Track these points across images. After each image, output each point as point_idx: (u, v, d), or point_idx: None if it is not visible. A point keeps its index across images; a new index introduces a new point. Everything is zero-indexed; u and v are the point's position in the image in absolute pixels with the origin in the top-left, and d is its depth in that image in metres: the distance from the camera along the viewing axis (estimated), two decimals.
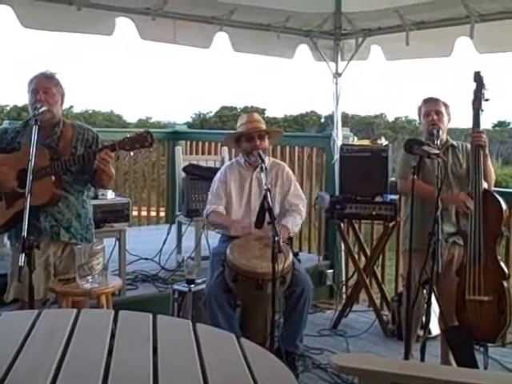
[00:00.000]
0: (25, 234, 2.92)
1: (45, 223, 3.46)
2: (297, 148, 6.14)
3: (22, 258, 2.86)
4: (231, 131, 5.10)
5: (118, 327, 1.73)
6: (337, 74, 5.57)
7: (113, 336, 1.64)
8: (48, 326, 1.74)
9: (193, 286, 4.09)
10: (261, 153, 3.87)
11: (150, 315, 1.85)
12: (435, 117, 3.83)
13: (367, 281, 4.91)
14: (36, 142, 3.10)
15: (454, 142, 3.94)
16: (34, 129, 3.15)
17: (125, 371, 1.48)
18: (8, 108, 24.74)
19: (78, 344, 1.60)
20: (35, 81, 3.45)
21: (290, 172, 4.24)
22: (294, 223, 3.97)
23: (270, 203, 3.39)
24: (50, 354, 1.52)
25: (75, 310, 1.85)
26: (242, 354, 1.60)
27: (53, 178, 3.37)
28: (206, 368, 1.50)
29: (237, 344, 1.66)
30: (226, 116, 26.55)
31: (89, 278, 3.34)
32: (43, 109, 3.34)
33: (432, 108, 3.86)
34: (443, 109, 3.87)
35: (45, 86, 3.42)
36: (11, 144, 3.52)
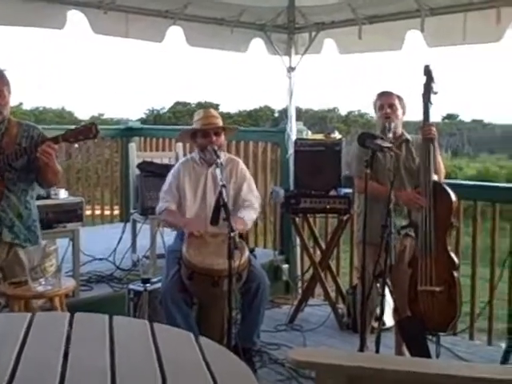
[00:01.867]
0: None
1: None
2: (251, 143, 6.14)
3: None
4: (186, 127, 5.08)
5: (73, 330, 1.70)
6: (291, 68, 5.59)
7: (68, 339, 1.62)
8: (0, 330, 1.71)
9: (148, 285, 4.06)
10: (216, 149, 3.87)
11: (106, 316, 1.83)
12: (388, 110, 3.88)
13: (322, 274, 4.96)
14: None
15: (409, 137, 3.98)
16: None
17: (81, 374, 1.47)
18: None
19: (33, 348, 1.58)
20: None
21: (245, 168, 4.25)
22: (249, 217, 3.99)
23: (226, 199, 3.39)
24: (4, 359, 1.49)
25: (29, 314, 1.82)
26: (200, 352, 1.60)
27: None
28: (164, 367, 1.50)
29: (194, 342, 1.67)
30: (180, 112, 26.41)
31: (41, 280, 3.29)
32: None
33: (385, 101, 3.91)
34: (397, 102, 3.91)
35: None
36: None
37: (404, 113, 3.96)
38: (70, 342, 1.60)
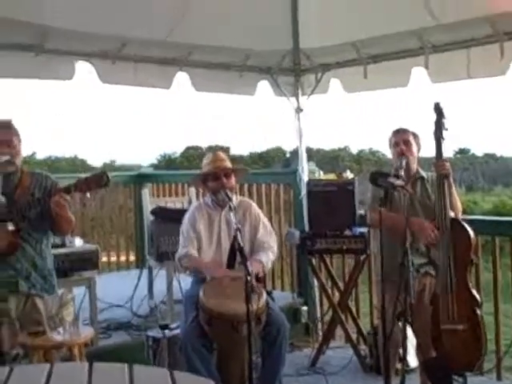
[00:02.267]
0: None
1: (3, 273, 3.35)
2: (264, 185, 6.15)
3: None
4: (198, 171, 5.10)
5: (92, 380, 1.67)
6: (299, 109, 5.64)
7: None
8: (21, 382, 1.68)
9: (167, 331, 4.01)
10: (228, 192, 3.87)
11: (126, 366, 1.80)
12: (403, 147, 3.87)
13: (342, 316, 4.89)
14: None
15: (424, 174, 3.96)
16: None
17: None
18: None
19: None
20: None
21: (258, 209, 4.24)
22: (268, 259, 3.96)
23: (241, 243, 3.37)
24: None
25: (48, 365, 1.79)
26: None
27: (10, 226, 3.29)
28: None
29: None
30: (192, 156, 26.61)
31: (60, 329, 3.27)
32: (6, 158, 3.31)
33: (400, 138, 3.90)
34: (412, 138, 3.91)
35: (6, 138, 3.37)
36: None
37: (419, 150, 3.96)
38: None
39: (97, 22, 4.47)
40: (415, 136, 3.94)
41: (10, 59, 4.42)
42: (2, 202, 3.30)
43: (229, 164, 4.09)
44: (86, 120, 44.70)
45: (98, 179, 3.33)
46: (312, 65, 5.49)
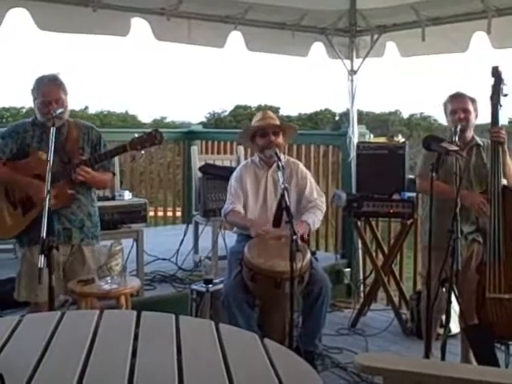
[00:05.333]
0: (44, 234, 2.93)
1: (58, 226, 3.45)
2: (312, 146, 6.12)
3: (42, 260, 2.88)
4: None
5: (140, 328, 1.73)
6: (352, 72, 5.55)
7: (136, 337, 1.64)
8: (71, 327, 1.75)
9: (210, 286, 4.08)
10: (277, 151, 3.86)
11: (173, 316, 1.84)
12: (462, 115, 3.74)
13: (385, 279, 4.89)
14: (44, 145, 3.24)
15: (480, 141, 3.84)
16: (52, 131, 3.18)
17: (150, 372, 1.48)
18: (24, 110, 24.92)
19: (102, 346, 1.61)
20: (43, 90, 3.43)
21: (306, 170, 4.23)
22: (315, 219, 3.96)
23: (288, 202, 3.38)
24: (75, 356, 1.52)
25: (97, 312, 1.85)
26: (265, 354, 1.59)
27: (65, 180, 3.39)
28: (230, 368, 1.50)
29: (260, 344, 1.66)
30: (241, 115, 26.55)
31: (108, 278, 3.36)
32: (60, 110, 3.37)
33: (459, 106, 3.75)
34: (470, 105, 3.76)
35: (55, 96, 3.42)
36: (22, 147, 3.51)
37: (476, 116, 3.82)
38: (138, 341, 1.62)
39: None
40: (473, 101, 3.80)
41: (67, 14, 4.47)
42: (56, 158, 3.39)
43: (277, 122, 4.09)
44: (138, 76, 44.92)
45: (152, 138, 3.41)
46: (368, 26, 5.37)
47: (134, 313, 1.83)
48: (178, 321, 1.80)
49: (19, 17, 4.34)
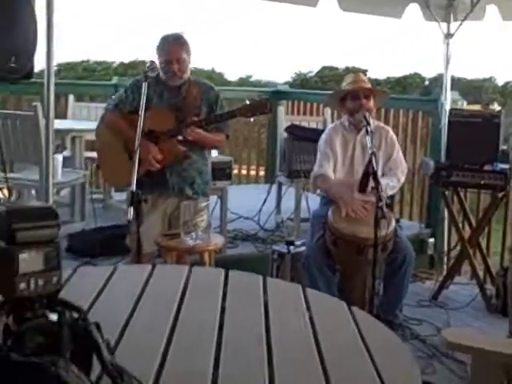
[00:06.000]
0: (133, 188, 3.03)
1: (172, 179, 3.60)
2: (401, 111, 5.96)
3: (131, 212, 2.98)
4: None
5: (228, 287, 1.75)
6: (448, 35, 5.32)
7: (224, 296, 1.67)
8: (162, 280, 1.80)
9: (292, 247, 4.10)
10: (367, 115, 3.78)
11: (260, 277, 1.86)
12: None
13: (471, 252, 4.74)
14: (163, 102, 3.43)
15: None
16: (144, 86, 3.28)
17: (238, 331, 1.50)
18: (115, 65, 25.53)
19: (192, 301, 1.64)
20: (167, 48, 3.55)
21: (394, 137, 4.13)
22: (388, 186, 3.85)
23: (375, 167, 3.32)
24: (166, 309, 1.56)
25: (187, 267, 1.89)
26: (353, 322, 1.58)
27: (178, 137, 3.48)
28: (318, 334, 1.50)
29: (348, 312, 1.65)
30: (327, 76, 26.14)
31: (193, 234, 3.42)
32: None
33: None
34: None
35: (177, 55, 3.52)
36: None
37: None
38: (226, 299, 1.64)
39: None
40: None
41: None
42: (172, 115, 3.49)
43: (369, 85, 3.99)
44: (224, 33, 44.94)
45: (262, 107, 3.44)
46: None
47: (222, 271, 1.86)
48: (265, 282, 1.81)
49: None
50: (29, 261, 1.14)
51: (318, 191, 4.19)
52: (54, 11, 4.01)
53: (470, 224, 4.87)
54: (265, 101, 3.47)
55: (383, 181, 3.81)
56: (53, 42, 4.08)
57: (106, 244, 4.32)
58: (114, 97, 3.91)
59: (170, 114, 3.54)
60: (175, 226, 3.63)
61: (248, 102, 3.48)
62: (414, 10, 5.40)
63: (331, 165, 3.96)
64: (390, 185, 3.90)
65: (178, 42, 3.56)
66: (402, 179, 4.02)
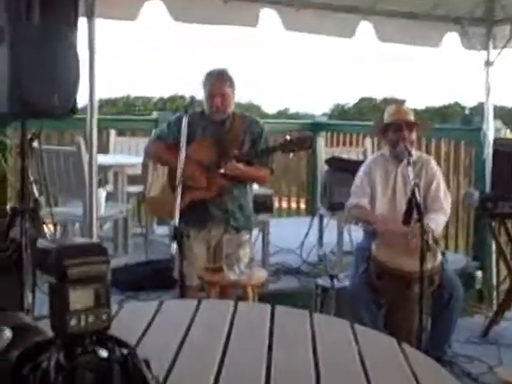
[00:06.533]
0: (176, 223, 3.04)
1: (213, 212, 3.63)
2: (443, 141, 5.89)
3: (174, 247, 2.99)
4: (371, 122, 4.99)
5: (275, 323, 1.72)
6: (488, 63, 5.27)
7: (271, 332, 1.64)
8: (208, 316, 1.78)
9: (336, 281, 4.03)
10: (408, 146, 3.74)
11: (307, 313, 1.83)
12: None
13: None
14: (206, 136, 3.48)
15: None
16: (185, 119, 3.33)
17: (287, 368, 1.47)
18: (155, 99, 25.99)
19: (238, 337, 1.62)
20: (211, 83, 3.60)
21: (437, 167, 4.05)
22: (438, 222, 3.78)
23: (419, 199, 3.27)
24: (213, 345, 1.54)
25: (232, 302, 1.87)
26: (405, 361, 1.53)
27: (221, 170, 3.50)
28: (368, 373, 1.45)
29: (399, 349, 1.60)
30: (366, 107, 26.12)
31: (235, 268, 3.40)
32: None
33: None
34: None
35: (221, 90, 3.57)
36: (188, 135, 3.65)
37: None
38: (273, 336, 1.61)
39: None
40: None
41: (199, 5, 4.59)
42: (214, 149, 3.55)
43: (412, 117, 3.95)
44: (262, 66, 45.42)
45: (302, 142, 3.46)
46: (507, 15, 5.07)
47: (269, 307, 1.83)
48: (312, 318, 1.77)
49: (154, 8, 4.52)
50: (80, 297, 1.14)
51: (361, 223, 4.14)
52: (95, 49, 4.16)
53: None
54: (306, 137, 3.50)
55: (432, 219, 3.73)
56: (95, 78, 4.21)
57: (149, 278, 4.35)
58: (156, 130, 3.97)
59: (212, 148, 3.57)
60: (219, 259, 3.63)
61: (289, 138, 3.48)
62: (452, 39, 5.38)
63: (367, 196, 3.91)
64: (439, 221, 3.81)
65: (221, 78, 3.61)
66: (449, 210, 3.94)
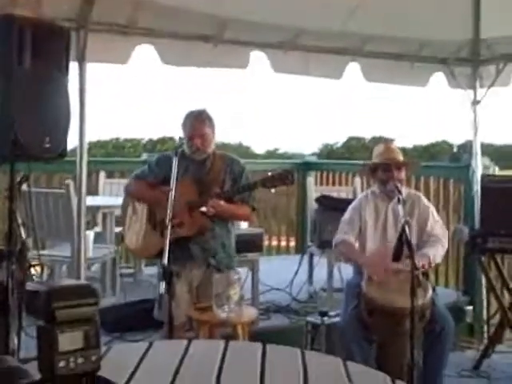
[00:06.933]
0: (165, 262, 3.03)
1: (194, 251, 3.62)
2: (432, 178, 5.95)
3: (163, 286, 2.97)
4: (360, 162, 5.04)
5: (266, 361, 1.71)
6: (475, 102, 5.36)
7: (263, 371, 1.63)
8: (198, 356, 1.76)
9: (326, 318, 4.01)
10: (398, 185, 3.76)
11: (299, 351, 1.81)
12: None
13: None
14: (188, 175, 3.45)
15: None
16: (175, 161, 3.33)
17: None
18: (144, 141, 26.11)
19: (230, 377, 1.60)
20: (189, 124, 3.65)
21: (428, 202, 4.08)
22: (436, 253, 3.79)
23: (409, 236, 3.28)
24: None
25: (223, 342, 1.86)
26: None
27: (202, 208, 3.50)
28: None
29: None
30: (354, 147, 26.35)
31: (225, 307, 3.38)
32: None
33: None
34: None
35: (200, 131, 3.61)
36: (169, 175, 3.68)
37: None
38: (265, 375, 1.59)
39: (273, 12, 4.57)
40: None
41: (189, 49, 4.66)
42: (195, 188, 3.56)
43: (401, 157, 3.97)
44: (252, 108, 45.89)
45: (284, 177, 3.48)
46: (493, 55, 5.18)
47: (260, 345, 1.82)
48: (303, 355, 1.76)
49: (144, 52, 4.59)
50: (68, 339, 1.14)
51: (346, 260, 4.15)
52: (86, 92, 4.20)
53: (509, 290, 4.74)
54: (286, 172, 3.49)
55: (430, 251, 3.74)
56: (85, 121, 4.25)
57: (136, 319, 4.30)
58: (136, 171, 3.97)
59: (194, 187, 3.59)
60: (203, 297, 3.62)
61: (270, 174, 3.52)
62: (438, 79, 5.50)
63: (355, 233, 3.91)
64: (438, 254, 3.80)
65: (200, 118, 3.65)
66: (446, 243, 3.93)
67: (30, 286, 1.23)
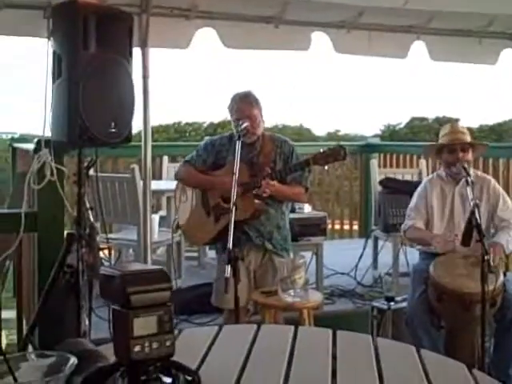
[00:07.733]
0: (230, 246, 3.04)
1: (251, 233, 3.60)
2: (501, 160, 5.75)
3: (228, 270, 2.98)
4: (424, 143, 4.91)
5: (338, 348, 1.68)
6: None
7: (334, 357, 1.60)
8: (269, 340, 1.76)
9: (392, 303, 3.96)
10: (466, 166, 3.65)
11: (369, 337, 1.78)
12: None
13: None
14: (239, 158, 3.30)
15: None
16: (238, 144, 3.31)
17: None
18: (205, 125, 26.31)
19: (301, 362, 1.59)
20: (236, 107, 3.62)
21: (498, 185, 3.95)
22: (509, 239, 3.66)
23: (479, 219, 3.18)
24: (275, 370, 1.52)
25: (293, 327, 1.84)
26: None
27: (256, 191, 3.49)
28: None
29: (469, 375, 1.54)
30: (417, 127, 25.79)
31: (291, 291, 3.37)
32: (245, 125, 3.50)
33: None
34: None
35: (248, 113, 3.57)
36: (218, 159, 3.71)
37: None
38: (337, 361, 1.57)
39: None
40: None
41: (251, 31, 4.64)
42: (247, 171, 3.53)
43: (468, 138, 3.85)
44: (313, 89, 45.48)
45: (336, 154, 3.43)
46: None
47: (330, 331, 1.79)
48: (375, 342, 1.73)
49: (206, 36, 4.60)
50: (143, 324, 1.14)
51: (417, 246, 4.06)
52: (149, 78, 4.24)
53: None
54: (338, 148, 3.44)
55: (503, 238, 3.63)
56: (149, 106, 4.30)
57: (201, 302, 4.34)
58: (186, 158, 3.96)
59: (245, 170, 3.51)
60: (260, 282, 3.62)
61: (322, 150, 3.46)
62: (508, 55, 5.29)
63: (423, 218, 3.83)
64: (511, 240, 3.69)
65: (246, 100, 3.62)
66: None
67: (104, 269, 1.24)
